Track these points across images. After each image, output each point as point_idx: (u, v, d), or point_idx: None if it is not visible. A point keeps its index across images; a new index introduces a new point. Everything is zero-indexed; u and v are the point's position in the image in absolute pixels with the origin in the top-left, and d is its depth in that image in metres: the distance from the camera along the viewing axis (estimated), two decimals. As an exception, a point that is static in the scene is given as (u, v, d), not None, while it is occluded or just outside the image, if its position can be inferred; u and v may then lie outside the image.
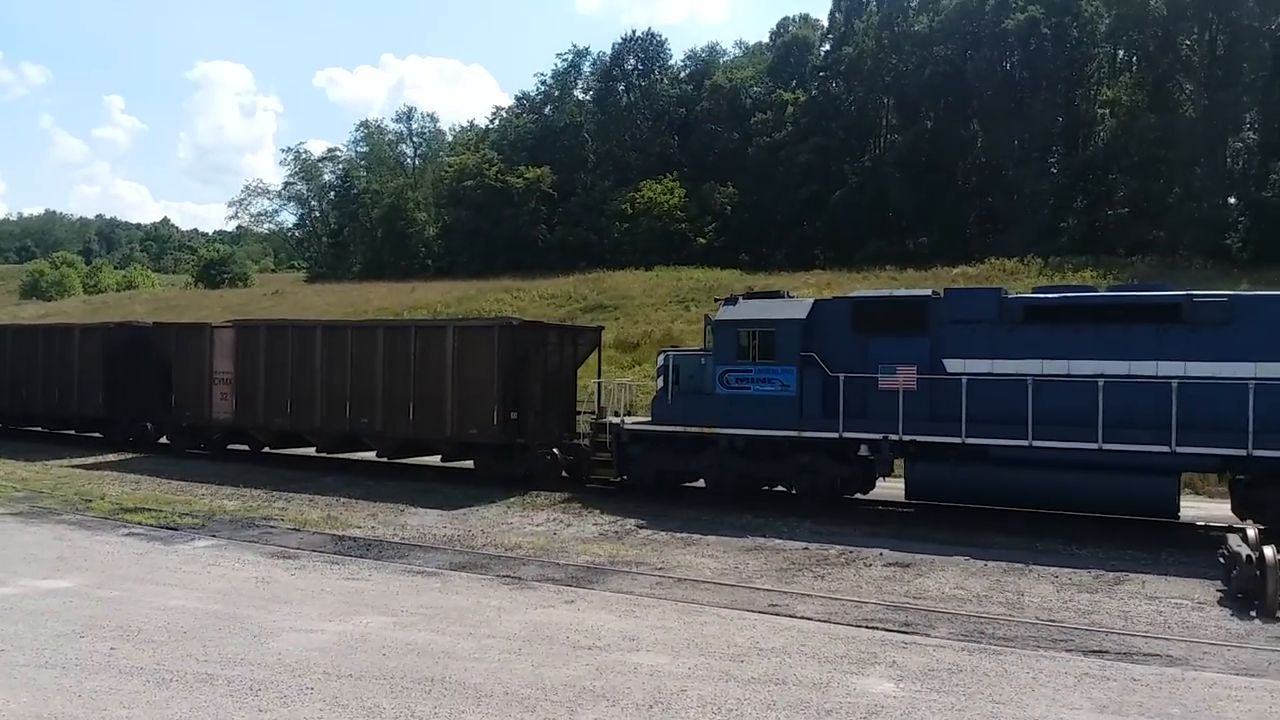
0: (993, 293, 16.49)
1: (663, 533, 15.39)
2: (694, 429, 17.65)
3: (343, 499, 18.55)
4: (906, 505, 17.01)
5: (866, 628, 10.18)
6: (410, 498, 18.53)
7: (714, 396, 17.46)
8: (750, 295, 19.02)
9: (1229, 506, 15.39)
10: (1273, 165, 48.35)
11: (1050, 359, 15.36)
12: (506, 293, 48.40)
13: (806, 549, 14.17)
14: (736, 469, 17.64)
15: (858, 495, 17.77)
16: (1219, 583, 11.75)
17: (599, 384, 20.67)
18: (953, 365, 15.97)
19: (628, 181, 65.25)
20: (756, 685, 8.22)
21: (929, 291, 17.32)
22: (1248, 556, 11.10)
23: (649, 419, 18.58)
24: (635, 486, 18.67)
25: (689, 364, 18.31)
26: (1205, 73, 48.19)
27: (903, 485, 16.69)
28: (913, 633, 10.00)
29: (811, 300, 17.96)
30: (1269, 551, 10.88)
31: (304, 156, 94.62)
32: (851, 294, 18.85)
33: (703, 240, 59.57)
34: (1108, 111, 53.60)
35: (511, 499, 18.33)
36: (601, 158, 71.19)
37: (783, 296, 18.76)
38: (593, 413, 20.02)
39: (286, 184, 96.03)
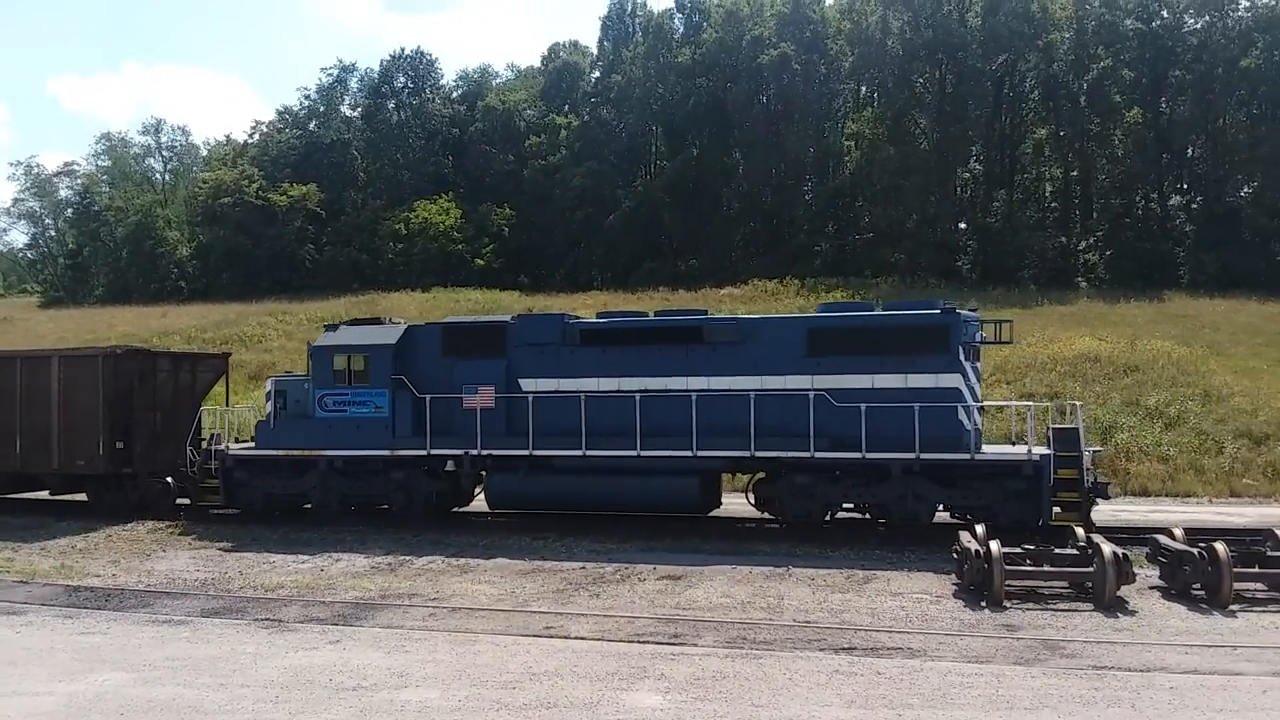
0: (557, 318, 18.01)
1: (439, 559, 15.08)
2: (295, 452, 18.19)
3: (79, 545, 16.91)
4: (681, 519, 17.56)
5: (638, 642, 10.38)
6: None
7: (314, 420, 18.12)
8: (353, 322, 19.71)
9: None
10: (995, 194, 54.01)
11: (604, 377, 16.91)
12: (271, 316, 45.90)
13: (583, 568, 14.30)
14: (340, 488, 18.32)
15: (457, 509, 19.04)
16: (954, 576, 12.88)
17: (209, 410, 20.59)
18: (526, 384, 17.29)
19: (401, 201, 63.65)
20: (528, 711, 8.18)
21: (507, 317, 18.54)
22: (976, 551, 12.22)
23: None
24: (244, 511, 18.86)
25: (295, 389, 18.69)
26: (937, 109, 53.11)
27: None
28: (681, 644, 10.29)
29: (405, 326, 18.75)
30: (994, 546, 12.05)
31: (36, 171, 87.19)
32: (442, 320, 20.01)
33: (481, 261, 59.01)
34: (853, 143, 57.95)
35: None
36: (372, 176, 69.04)
37: (382, 323, 19.47)
38: (204, 440, 19.70)
39: (16, 200, 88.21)
